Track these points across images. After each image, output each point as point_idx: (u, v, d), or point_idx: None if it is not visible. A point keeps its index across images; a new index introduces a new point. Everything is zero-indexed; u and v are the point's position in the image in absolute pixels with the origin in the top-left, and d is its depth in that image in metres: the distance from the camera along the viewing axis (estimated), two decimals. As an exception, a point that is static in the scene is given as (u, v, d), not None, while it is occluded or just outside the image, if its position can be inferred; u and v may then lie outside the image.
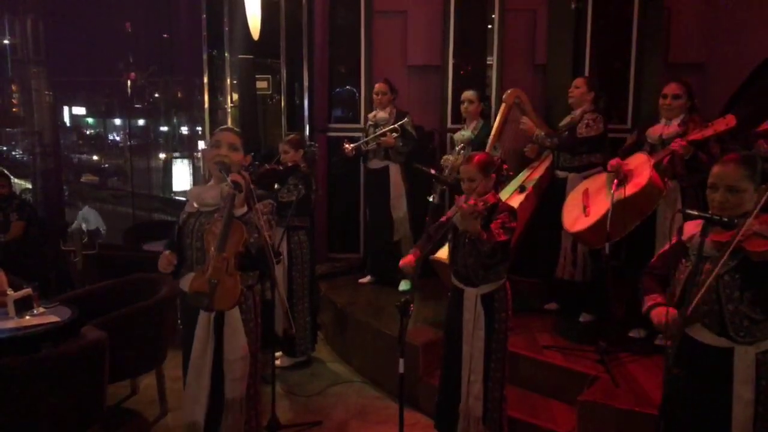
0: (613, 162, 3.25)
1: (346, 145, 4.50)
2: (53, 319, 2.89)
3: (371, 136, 4.46)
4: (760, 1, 4.23)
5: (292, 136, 4.10)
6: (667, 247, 2.17)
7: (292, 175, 3.80)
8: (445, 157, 4.26)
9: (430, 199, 2.62)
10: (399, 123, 4.33)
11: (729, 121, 2.81)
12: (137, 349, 3.24)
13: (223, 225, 2.26)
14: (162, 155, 15.16)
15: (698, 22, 4.64)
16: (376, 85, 4.52)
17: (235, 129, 2.59)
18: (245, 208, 2.31)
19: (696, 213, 1.86)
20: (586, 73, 4.54)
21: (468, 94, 4.26)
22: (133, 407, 3.56)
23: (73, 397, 2.60)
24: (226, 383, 2.38)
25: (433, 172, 2.90)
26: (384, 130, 4.37)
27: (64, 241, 4.79)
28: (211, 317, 2.36)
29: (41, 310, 3.01)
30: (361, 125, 5.00)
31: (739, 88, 4.10)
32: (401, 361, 2.38)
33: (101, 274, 4.10)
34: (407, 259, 2.80)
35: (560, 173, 3.89)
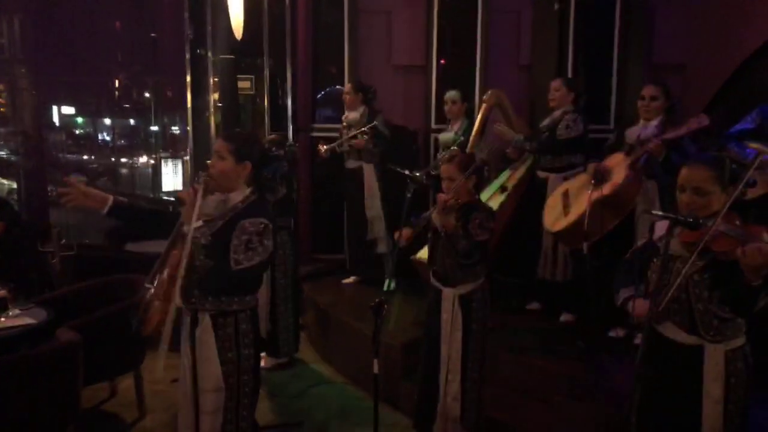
0: (591, 167, 3.28)
1: (320, 147, 4.49)
2: (28, 321, 2.86)
3: (344, 137, 4.43)
4: (741, 3, 4.26)
5: (272, 136, 4.08)
6: (640, 244, 2.18)
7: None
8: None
9: (408, 195, 2.65)
10: (369, 126, 4.29)
11: (702, 120, 2.83)
12: (114, 351, 3.21)
13: (168, 243, 2.02)
14: (143, 159, 15.00)
15: (680, 24, 4.67)
16: (345, 87, 4.50)
17: (230, 135, 2.35)
18: (198, 223, 2.06)
19: (661, 213, 1.87)
20: (569, 74, 4.56)
21: (450, 94, 4.26)
22: (112, 410, 3.53)
23: (45, 399, 2.58)
24: (200, 415, 2.17)
25: (407, 172, 2.90)
26: (354, 132, 4.34)
27: (42, 243, 4.73)
28: (187, 337, 2.19)
29: (16, 311, 2.98)
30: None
31: (719, 89, 4.13)
32: (375, 361, 2.37)
33: (81, 275, 4.06)
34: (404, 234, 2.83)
35: (541, 174, 3.89)
